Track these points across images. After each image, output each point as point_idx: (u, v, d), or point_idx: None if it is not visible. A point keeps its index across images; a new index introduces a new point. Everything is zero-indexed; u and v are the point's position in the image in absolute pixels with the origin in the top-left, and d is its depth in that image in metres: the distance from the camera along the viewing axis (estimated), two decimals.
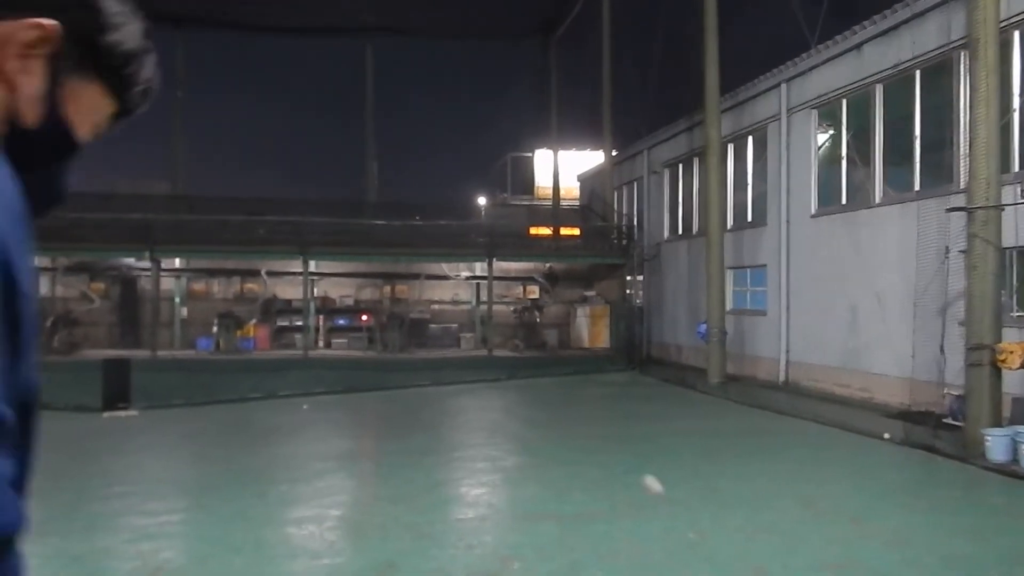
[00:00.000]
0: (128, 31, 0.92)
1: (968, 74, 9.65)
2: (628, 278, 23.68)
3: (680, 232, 21.27)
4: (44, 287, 25.90)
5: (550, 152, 29.87)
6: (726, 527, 6.32)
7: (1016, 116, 10.41)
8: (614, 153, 24.68)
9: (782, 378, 15.77)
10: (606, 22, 23.59)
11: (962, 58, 10.90)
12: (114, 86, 0.90)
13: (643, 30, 23.06)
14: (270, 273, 26.89)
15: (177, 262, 26.24)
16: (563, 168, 29.65)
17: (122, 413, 11.90)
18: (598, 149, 26.96)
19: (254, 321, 26.03)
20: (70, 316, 24.55)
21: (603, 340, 24.77)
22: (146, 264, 23.47)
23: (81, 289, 25.95)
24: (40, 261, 25.23)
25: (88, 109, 0.89)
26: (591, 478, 8.06)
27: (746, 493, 7.40)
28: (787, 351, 15.79)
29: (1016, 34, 10.40)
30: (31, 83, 0.82)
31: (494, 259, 23.43)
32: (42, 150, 0.87)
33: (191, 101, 29.54)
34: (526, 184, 35.62)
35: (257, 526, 6.37)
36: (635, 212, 24.22)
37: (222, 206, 24.23)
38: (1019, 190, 9.22)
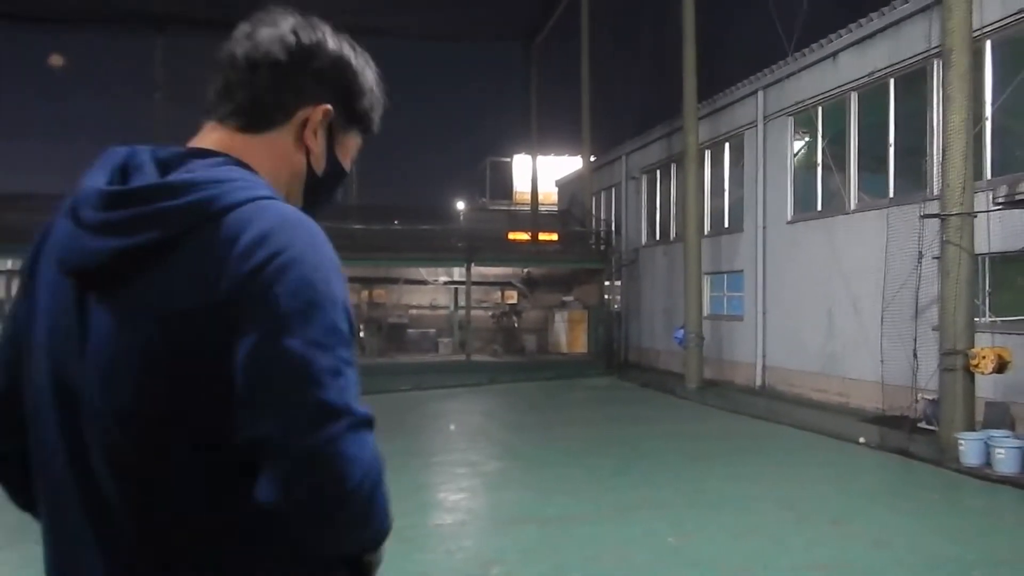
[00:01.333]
0: (373, 93, 1.27)
1: (941, 83, 9.83)
2: (606, 283, 23.78)
3: (658, 237, 21.41)
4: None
5: (529, 157, 29.95)
6: (710, 529, 6.36)
7: (988, 124, 10.61)
8: (592, 159, 24.79)
9: (759, 383, 15.91)
10: (585, 28, 23.72)
11: (935, 67, 11.09)
12: (363, 128, 1.28)
13: (622, 37, 23.21)
14: None
15: None
16: (542, 173, 29.73)
17: None
18: (577, 154, 27.06)
19: None
20: None
21: (582, 345, 24.84)
22: None
23: None
24: (13, 264, 24.85)
25: (350, 149, 1.27)
26: (574, 481, 8.09)
27: (728, 496, 7.46)
28: (764, 356, 15.93)
29: (988, 44, 10.60)
30: (320, 146, 1.20)
31: (473, 264, 23.44)
32: (327, 187, 1.25)
33: (170, 102, 29.26)
34: (505, 189, 35.67)
35: None
36: (613, 217, 24.34)
37: None
38: (991, 197, 9.37)
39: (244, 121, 1.14)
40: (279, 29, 1.16)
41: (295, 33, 1.16)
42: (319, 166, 1.20)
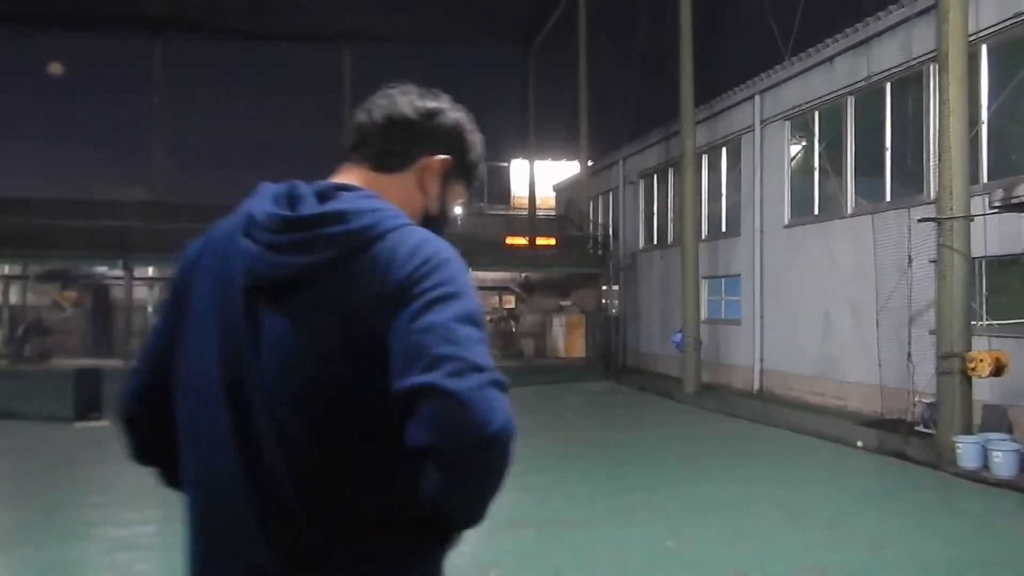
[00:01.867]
0: (479, 151, 1.51)
1: (937, 87, 9.86)
2: (604, 287, 23.80)
3: (655, 242, 21.43)
4: (14, 295, 25.51)
5: (526, 161, 29.97)
6: (706, 532, 6.36)
7: (984, 128, 10.64)
8: (590, 163, 24.83)
9: (756, 386, 15.92)
10: (582, 33, 23.77)
11: (931, 71, 11.13)
12: (468, 181, 1.51)
13: (620, 41, 23.24)
14: None
15: (151, 270, 25.92)
16: (539, 178, 29.76)
17: (94, 423, 11.73)
18: (574, 159, 27.12)
19: None
20: (41, 325, 24.17)
21: (579, 349, 24.85)
22: (119, 272, 23.18)
23: (53, 297, 25.57)
24: (10, 269, 24.85)
25: (455, 197, 1.49)
26: (571, 485, 8.09)
27: (724, 499, 7.47)
28: (761, 360, 15.94)
29: (983, 48, 10.64)
30: (434, 189, 1.44)
31: (470, 268, 23.42)
32: (436, 225, 1.43)
33: (168, 107, 29.26)
34: (502, 193, 35.68)
35: None
36: (611, 222, 24.36)
37: (198, 213, 23.98)
38: (988, 201, 9.40)
39: (376, 164, 1.40)
40: (411, 96, 1.43)
41: (423, 99, 1.43)
42: (433, 207, 1.45)
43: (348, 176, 1.40)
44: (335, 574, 1.22)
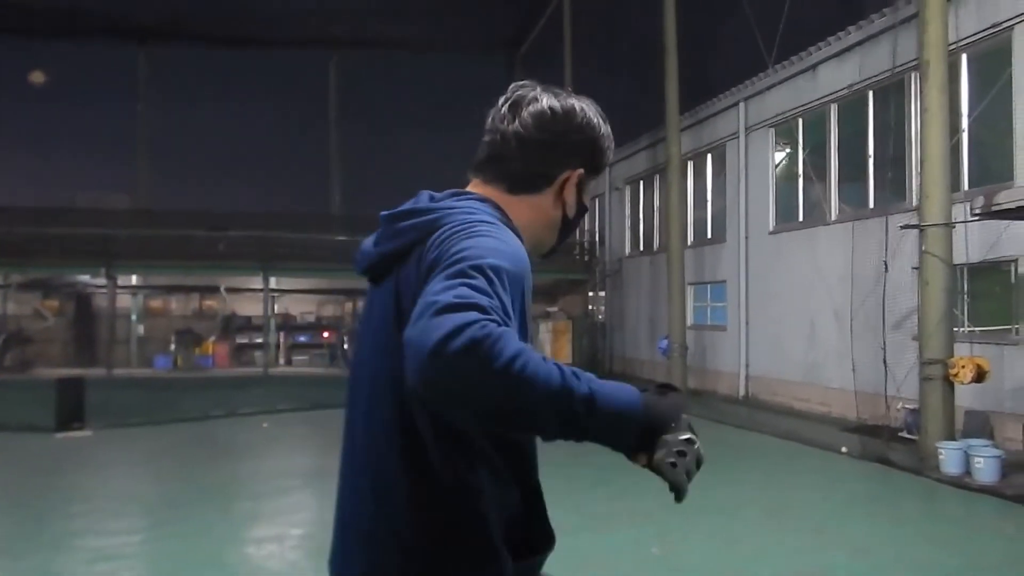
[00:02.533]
0: (610, 141, 1.52)
1: (919, 95, 9.95)
2: (591, 293, 23.85)
3: (642, 248, 21.50)
4: None
5: None
6: (693, 538, 6.37)
7: (965, 136, 10.75)
8: None
9: (742, 392, 15.98)
10: (567, 40, 23.86)
11: (913, 79, 11.24)
12: (599, 173, 1.52)
13: (605, 49, 23.33)
14: (229, 289, 26.54)
15: (134, 278, 25.75)
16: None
17: (76, 433, 11.62)
18: None
19: (213, 338, 25.65)
20: (23, 334, 23.95)
21: (566, 355, 24.85)
22: (102, 281, 23.00)
23: (34, 306, 25.34)
24: None
25: (588, 193, 1.53)
26: (556, 492, 8.01)
27: (711, 505, 7.47)
28: (747, 366, 16.01)
29: (964, 56, 10.76)
30: (572, 199, 1.48)
31: None
32: (574, 225, 1.52)
33: (152, 114, 29.11)
34: None
35: (218, 545, 6.26)
36: (597, 228, 24.42)
37: (182, 220, 23.86)
38: (969, 208, 9.48)
39: (511, 186, 1.44)
40: (540, 107, 1.43)
41: (552, 111, 1.42)
42: (571, 213, 1.50)
43: (477, 191, 1.44)
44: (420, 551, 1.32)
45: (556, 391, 1.08)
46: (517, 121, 1.42)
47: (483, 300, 1.09)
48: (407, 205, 1.40)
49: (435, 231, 1.29)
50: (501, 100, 1.46)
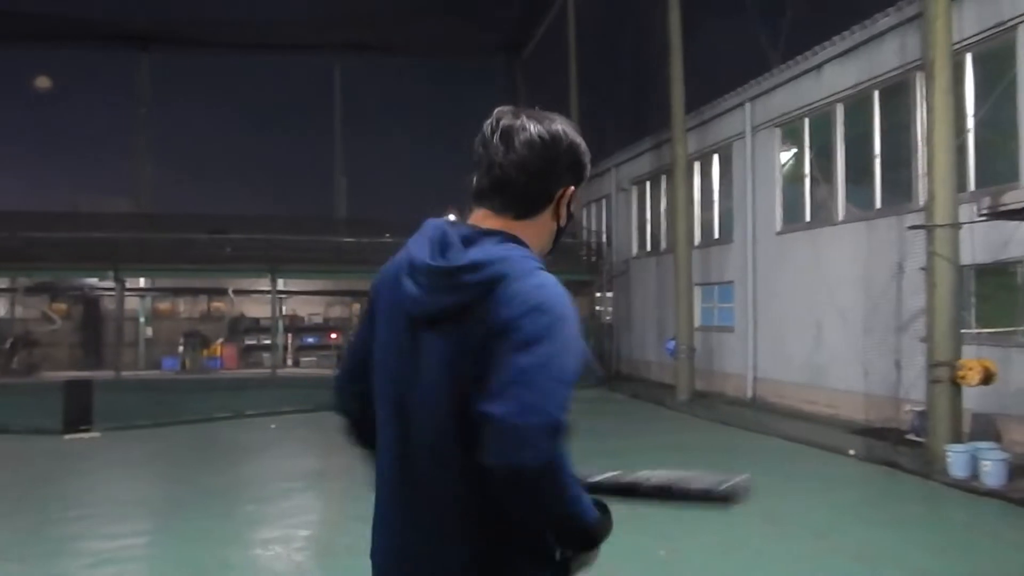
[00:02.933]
0: (590, 160, 1.68)
1: (924, 94, 9.91)
2: (597, 294, 23.82)
3: (648, 249, 21.46)
4: (3, 308, 25.38)
5: None
6: (696, 543, 6.35)
7: (970, 136, 10.70)
8: None
9: (749, 394, 15.92)
10: (571, 41, 23.83)
11: (918, 79, 11.19)
12: (581, 183, 1.67)
13: (609, 50, 23.32)
14: (237, 291, 26.61)
15: (142, 281, 25.84)
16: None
17: (84, 435, 11.67)
18: None
19: (221, 340, 25.72)
20: (30, 337, 24.05)
21: None
22: (109, 284, 23.08)
23: (42, 309, 25.45)
24: None
25: (575, 201, 1.67)
26: None
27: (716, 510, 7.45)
28: (754, 367, 15.95)
29: (968, 56, 10.70)
30: (565, 211, 1.64)
31: None
32: (564, 231, 1.68)
33: (155, 118, 29.22)
34: None
35: (223, 548, 6.28)
36: (604, 229, 24.39)
37: (188, 223, 23.95)
38: (975, 209, 9.44)
39: (518, 213, 1.58)
40: (530, 135, 1.55)
41: (542, 138, 1.56)
42: (564, 223, 1.66)
43: (488, 223, 1.58)
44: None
45: (576, 521, 1.47)
46: (512, 152, 1.55)
47: (566, 419, 1.37)
48: (455, 257, 1.49)
49: (497, 284, 1.44)
50: (488, 130, 1.57)
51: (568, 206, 1.66)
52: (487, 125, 1.58)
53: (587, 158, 1.66)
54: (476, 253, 1.49)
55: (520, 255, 1.50)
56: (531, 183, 1.57)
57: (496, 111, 1.60)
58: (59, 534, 6.68)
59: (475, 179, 1.60)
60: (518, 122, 1.56)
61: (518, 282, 1.44)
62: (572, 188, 1.63)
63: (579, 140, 1.63)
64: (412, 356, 1.52)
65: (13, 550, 6.18)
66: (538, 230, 1.61)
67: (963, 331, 9.66)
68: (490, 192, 1.58)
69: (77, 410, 11.97)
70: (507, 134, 1.55)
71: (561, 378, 1.38)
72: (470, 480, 1.43)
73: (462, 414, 1.43)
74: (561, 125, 1.60)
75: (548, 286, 1.47)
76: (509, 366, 1.36)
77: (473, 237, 1.52)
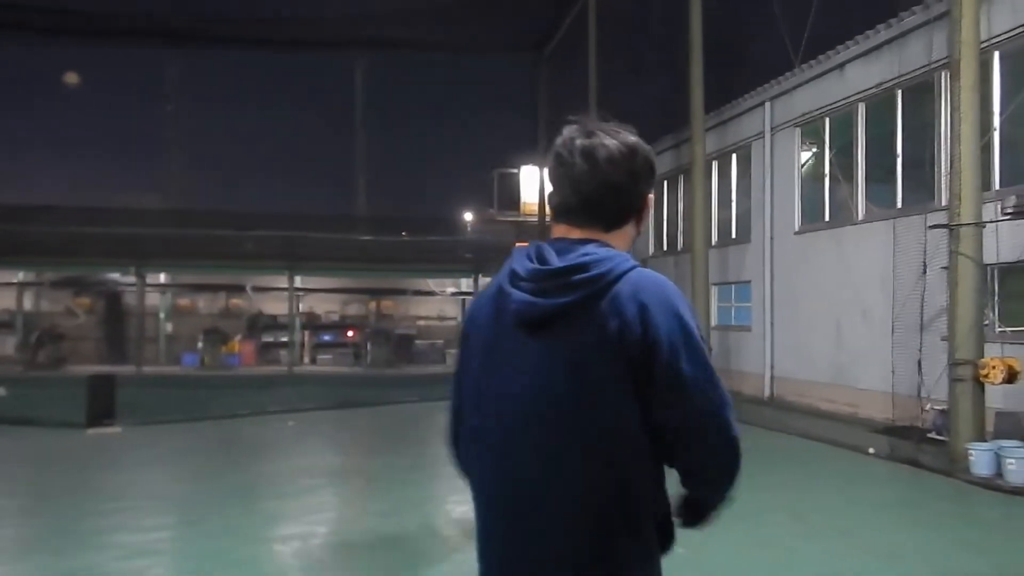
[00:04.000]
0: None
1: (949, 94, 9.82)
2: None
3: (666, 248, 21.41)
4: (29, 302, 25.67)
5: (536, 168, 29.99)
6: (719, 542, 6.32)
7: (996, 135, 10.60)
8: None
9: (768, 393, 15.86)
10: (592, 40, 23.78)
11: (943, 78, 11.09)
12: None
13: (630, 49, 23.27)
14: (256, 288, 26.78)
15: (163, 277, 26.07)
16: (548, 184, 29.69)
17: (107, 429, 11.81)
18: None
19: (240, 337, 25.90)
20: (55, 331, 24.34)
21: None
22: (131, 279, 23.31)
23: (66, 304, 25.74)
24: (24, 276, 25.05)
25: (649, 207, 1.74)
26: None
27: (738, 508, 7.36)
28: (772, 366, 15.89)
29: (996, 55, 10.60)
30: (645, 218, 1.70)
31: (480, 275, 23.46)
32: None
33: (182, 115, 29.46)
34: (512, 200, 35.71)
35: (246, 543, 6.35)
36: None
37: (211, 220, 24.14)
38: (999, 207, 9.36)
39: (607, 226, 1.63)
40: (610, 151, 1.60)
41: (621, 153, 1.61)
42: (642, 228, 1.73)
43: (575, 235, 1.63)
44: (586, 568, 1.54)
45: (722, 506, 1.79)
46: (598, 170, 1.60)
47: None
48: (565, 260, 1.55)
49: (610, 283, 1.51)
50: (564, 150, 1.62)
51: (647, 213, 1.74)
52: (561, 145, 1.63)
53: (655, 160, 1.73)
54: (580, 256, 1.54)
55: (622, 255, 1.57)
56: (620, 198, 1.64)
57: (566, 130, 1.65)
58: (88, 527, 6.76)
59: (557, 197, 1.65)
60: (595, 139, 1.61)
61: (638, 281, 1.53)
62: (651, 195, 1.71)
63: (648, 146, 1.68)
64: (522, 363, 1.55)
65: (45, 542, 6.28)
66: (623, 238, 1.67)
67: (987, 329, 9.58)
68: (579, 209, 1.62)
69: (100, 405, 12.12)
70: (588, 152, 1.60)
71: (714, 370, 1.57)
72: (588, 478, 1.52)
73: (585, 415, 1.50)
74: (632, 135, 1.66)
75: (660, 281, 1.58)
76: (678, 373, 1.51)
77: (568, 247, 1.58)
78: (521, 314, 1.55)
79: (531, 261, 1.58)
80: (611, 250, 1.57)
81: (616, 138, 1.62)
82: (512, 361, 1.57)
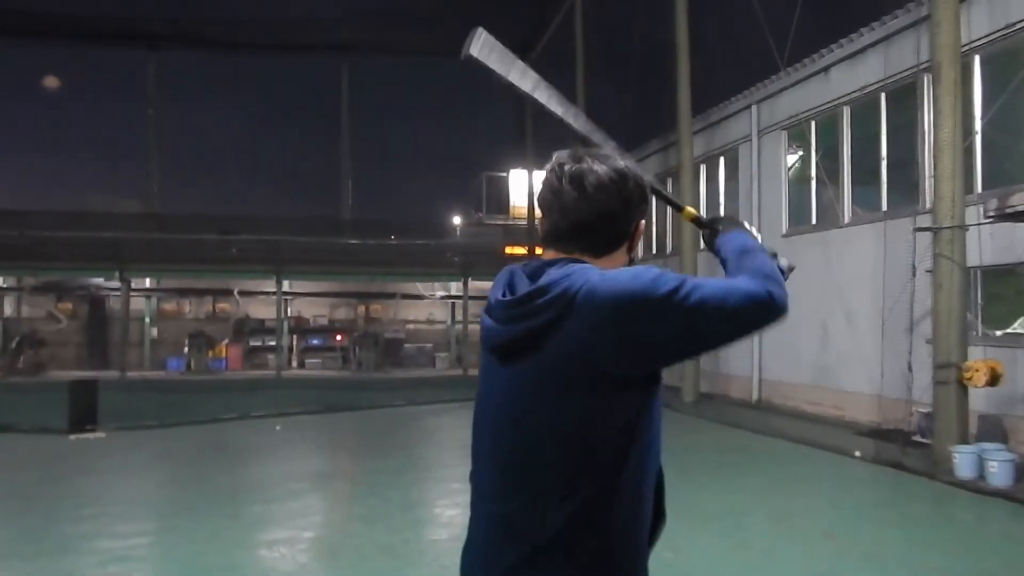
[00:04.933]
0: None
1: (932, 97, 9.89)
2: None
3: (654, 251, 21.45)
4: (9, 307, 25.46)
5: (525, 172, 30.03)
6: (703, 544, 6.34)
7: (978, 138, 10.67)
8: None
9: (755, 396, 15.90)
10: (579, 43, 23.85)
11: (926, 81, 11.17)
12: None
13: (617, 52, 23.32)
14: (242, 292, 26.65)
15: (148, 281, 25.91)
16: (538, 188, 29.75)
17: (90, 435, 11.70)
18: None
19: (226, 341, 25.76)
20: (36, 336, 24.13)
21: None
22: (115, 284, 23.16)
23: (48, 309, 25.53)
24: (6, 281, 24.84)
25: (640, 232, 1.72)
26: None
27: (722, 510, 7.45)
28: (760, 369, 15.93)
29: (976, 59, 10.68)
30: (637, 238, 1.69)
31: (469, 278, 23.45)
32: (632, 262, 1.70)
33: (163, 118, 29.31)
34: (501, 204, 35.74)
35: (229, 548, 6.29)
36: None
37: (195, 224, 24.02)
38: (982, 210, 9.42)
39: (597, 252, 1.61)
40: (601, 177, 1.59)
41: (611, 180, 1.60)
42: (634, 254, 1.71)
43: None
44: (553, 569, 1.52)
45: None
46: (587, 197, 1.59)
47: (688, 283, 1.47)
48: (528, 288, 1.55)
49: (570, 301, 1.47)
50: (554, 177, 1.61)
51: (638, 237, 1.73)
52: (551, 172, 1.63)
53: (645, 183, 1.72)
54: (542, 280, 1.54)
55: (581, 267, 1.54)
56: (611, 224, 1.62)
57: (555, 156, 1.66)
58: (68, 532, 6.70)
59: (546, 223, 1.64)
60: (584, 165, 1.60)
61: (588, 288, 1.48)
62: (642, 221, 1.70)
63: (638, 171, 1.67)
64: (495, 389, 1.60)
65: (23, 548, 6.21)
66: (614, 263, 1.64)
67: (971, 332, 9.64)
68: (569, 235, 1.61)
69: (82, 410, 12.01)
70: (577, 178, 1.59)
71: (670, 280, 1.46)
72: (572, 511, 1.50)
73: (550, 441, 1.51)
74: (622, 160, 1.65)
75: (611, 275, 1.51)
76: (655, 336, 1.45)
77: (539, 269, 1.59)
78: (491, 341, 1.60)
79: (503, 288, 1.62)
80: (576, 266, 1.55)
81: (606, 163, 1.61)
82: (492, 386, 1.61)
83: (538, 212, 1.68)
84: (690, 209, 1.98)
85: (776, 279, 1.56)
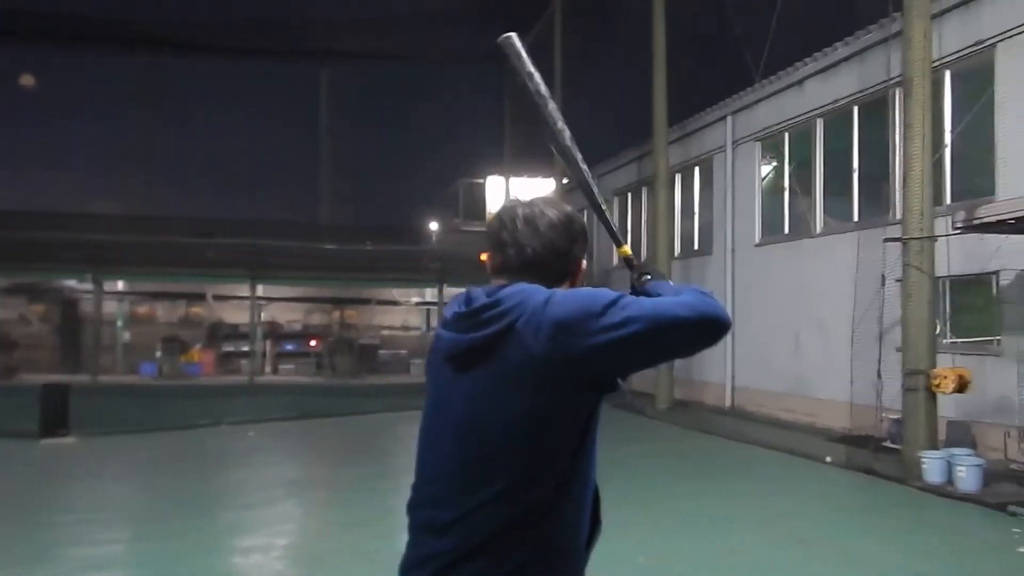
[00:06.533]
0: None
1: (903, 110, 10.09)
2: None
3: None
4: None
5: (502, 179, 30.10)
6: (677, 551, 6.41)
7: (948, 151, 10.90)
8: (564, 180, 24.97)
9: (729, 403, 16.05)
10: (557, 52, 23.98)
11: (897, 95, 11.39)
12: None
13: (594, 61, 23.50)
14: (216, 297, 26.42)
15: (120, 284, 25.60)
16: (514, 195, 29.80)
17: (61, 440, 11.55)
18: (549, 176, 27.29)
19: (199, 346, 25.51)
20: (8, 339, 23.74)
21: None
22: (88, 286, 22.85)
23: (20, 311, 25.14)
24: None
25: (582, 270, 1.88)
26: None
27: (696, 515, 7.53)
28: (733, 377, 16.09)
29: (947, 73, 10.92)
30: (580, 275, 1.84)
31: (445, 285, 23.43)
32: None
33: (142, 121, 29.01)
34: (478, 210, 35.77)
35: (204, 555, 6.25)
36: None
37: (170, 226, 23.78)
38: (951, 222, 9.61)
39: (545, 285, 1.70)
40: (551, 220, 1.77)
41: (561, 222, 1.78)
42: (577, 283, 1.84)
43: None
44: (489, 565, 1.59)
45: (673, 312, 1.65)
46: (539, 236, 1.76)
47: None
48: (483, 300, 1.67)
49: (524, 313, 1.59)
50: (507, 218, 1.77)
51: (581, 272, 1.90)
52: (504, 214, 1.79)
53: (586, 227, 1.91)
54: (499, 294, 1.67)
55: (537, 288, 1.67)
56: (558, 260, 1.78)
57: (507, 203, 1.84)
58: (41, 540, 6.62)
59: (499, 257, 1.79)
60: (536, 209, 1.78)
61: (541, 295, 1.62)
62: (584, 259, 1.88)
63: (582, 217, 1.86)
64: (452, 391, 1.68)
65: None
66: None
67: (939, 340, 9.82)
68: (519, 269, 1.76)
69: (54, 414, 11.83)
70: (530, 220, 1.76)
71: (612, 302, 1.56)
72: (518, 503, 1.58)
73: (508, 433, 1.59)
74: (568, 208, 1.85)
75: (552, 292, 1.65)
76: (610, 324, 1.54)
77: (495, 289, 1.72)
78: (448, 351, 1.70)
79: (459, 306, 1.74)
80: (530, 285, 1.69)
81: (555, 208, 1.81)
82: (449, 395, 1.69)
83: (488, 248, 1.82)
84: (627, 248, 2.15)
85: (713, 300, 1.62)
